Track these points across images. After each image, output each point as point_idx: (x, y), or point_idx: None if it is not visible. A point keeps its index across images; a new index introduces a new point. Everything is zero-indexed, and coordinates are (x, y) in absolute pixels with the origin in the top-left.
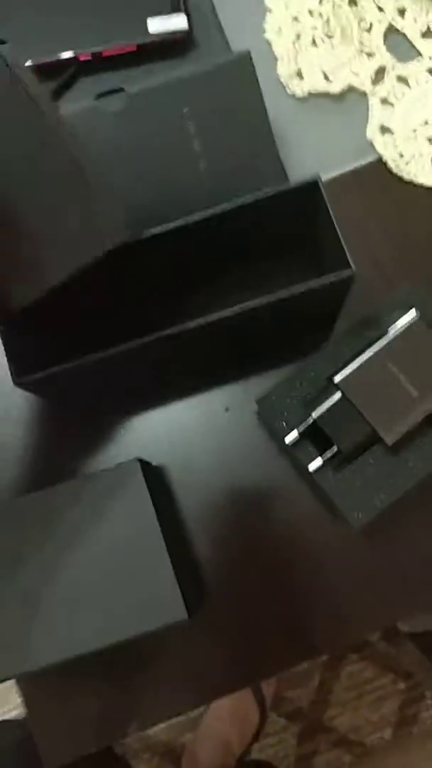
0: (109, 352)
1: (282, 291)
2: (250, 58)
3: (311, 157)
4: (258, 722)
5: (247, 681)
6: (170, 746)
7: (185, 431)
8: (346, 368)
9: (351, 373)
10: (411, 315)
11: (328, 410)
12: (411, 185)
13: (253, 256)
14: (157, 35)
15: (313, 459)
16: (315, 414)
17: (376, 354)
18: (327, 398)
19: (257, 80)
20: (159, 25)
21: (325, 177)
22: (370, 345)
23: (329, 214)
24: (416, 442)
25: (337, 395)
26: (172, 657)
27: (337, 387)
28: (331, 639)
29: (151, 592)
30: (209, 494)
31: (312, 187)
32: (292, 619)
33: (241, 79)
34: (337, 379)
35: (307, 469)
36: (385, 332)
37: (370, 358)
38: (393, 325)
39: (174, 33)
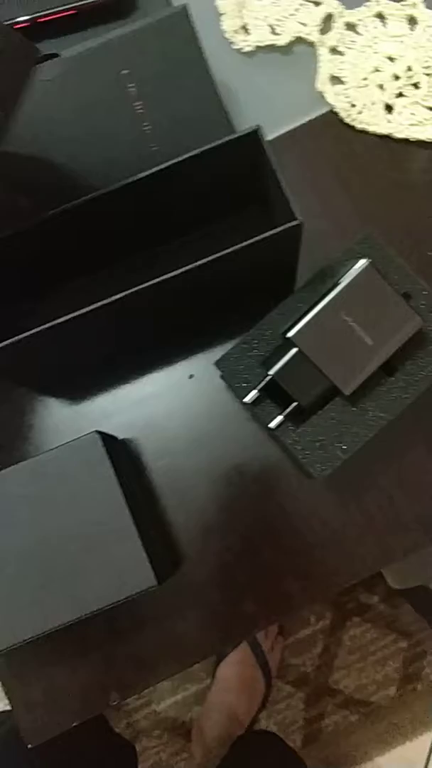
0: (55, 323)
1: (229, 248)
2: (187, 12)
3: (262, 112)
4: (264, 691)
5: (224, 643)
6: (179, 721)
7: (152, 402)
8: (299, 322)
9: (303, 327)
10: (362, 263)
11: (285, 366)
12: (364, 134)
13: (206, 217)
14: None
15: (274, 417)
16: (272, 371)
17: (327, 305)
18: (283, 354)
19: (196, 34)
20: None
21: (278, 132)
22: (323, 297)
23: (271, 164)
24: (375, 391)
25: (293, 351)
26: (148, 625)
27: (291, 342)
28: (308, 596)
29: (120, 562)
30: (180, 461)
31: (253, 137)
32: (266, 579)
33: (180, 34)
34: (291, 333)
35: (268, 427)
36: (338, 283)
37: (322, 310)
38: (345, 275)
39: None
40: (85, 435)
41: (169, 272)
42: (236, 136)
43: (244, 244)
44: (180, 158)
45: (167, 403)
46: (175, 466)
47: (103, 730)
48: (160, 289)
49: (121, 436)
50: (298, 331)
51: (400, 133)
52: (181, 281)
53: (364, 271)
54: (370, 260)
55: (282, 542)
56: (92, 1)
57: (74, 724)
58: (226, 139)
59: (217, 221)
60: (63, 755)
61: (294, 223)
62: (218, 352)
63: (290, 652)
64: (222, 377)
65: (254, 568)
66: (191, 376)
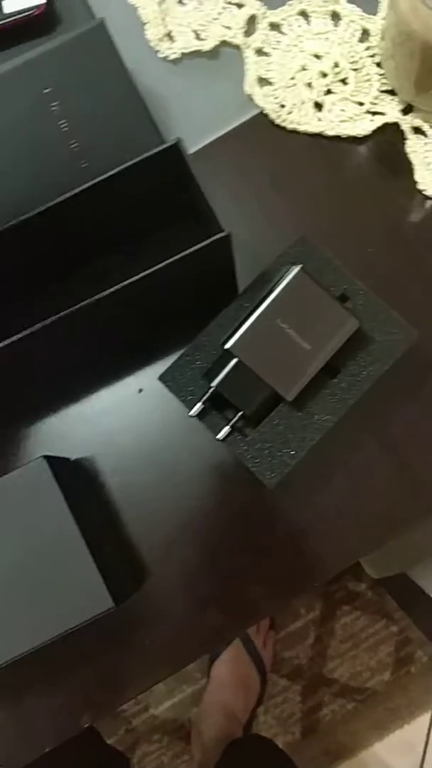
0: None
1: (158, 264)
2: (104, 26)
3: (192, 119)
4: (259, 686)
5: (194, 655)
6: (178, 723)
7: (103, 419)
8: (236, 332)
9: (241, 336)
10: (294, 270)
11: (226, 377)
12: (295, 134)
13: (140, 232)
14: (14, 14)
15: (222, 427)
16: (214, 383)
17: (262, 314)
18: (224, 365)
19: (115, 47)
20: (15, 3)
21: (209, 138)
22: (258, 305)
23: (193, 177)
24: (319, 394)
25: (233, 361)
26: (115, 643)
27: (230, 353)
28: (273, 601)
29: (76, 587)
30: (135, 476)
31: (173, 150)
32: (229, 588)
33: (99, 48)
34: (228, 345)
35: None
36: (272, 290)
37: (257, 319)
38: (278, 283)
39: (32, 9)
40: (31, 461)
41: (103, 291)
42: (156, 151)
43: (174, 258)
44: (102, 177)
45: (118, 419)
46: (130, 482)
47: (95, 743)
48: (95, 307)
49: (74, 455)
50: (236, 342)
51: (331, 131)
52: (117, 298)
53: (296, 278)
54: (301, 266)
55: (242, 550)
56: (12, 20)
57: (47, 750)
58: (146, 155)
59: (152, 236)
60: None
61: (221, 234)
62: (166, 364)
63: (283, 645)
64: (170, 391)
65: (217, 578)
66: (140, 391)
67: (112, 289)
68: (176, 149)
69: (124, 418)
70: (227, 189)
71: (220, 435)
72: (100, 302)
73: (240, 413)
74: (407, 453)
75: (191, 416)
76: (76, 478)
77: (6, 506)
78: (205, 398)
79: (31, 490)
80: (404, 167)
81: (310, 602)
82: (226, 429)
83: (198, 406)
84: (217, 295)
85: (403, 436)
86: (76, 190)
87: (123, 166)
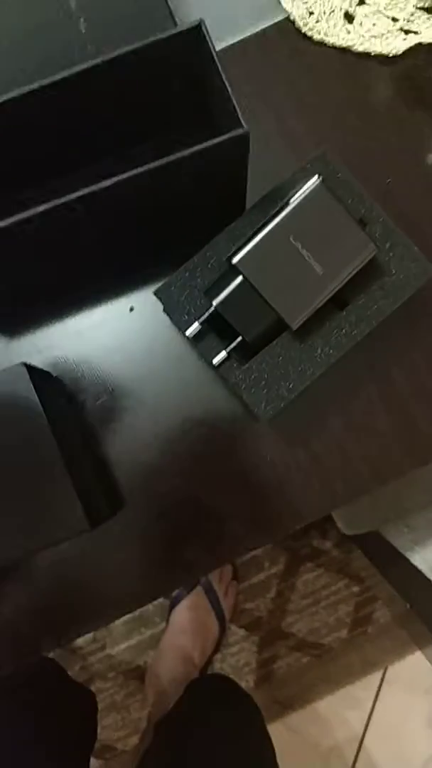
0: None
1: (173, 156)
2: None
3: (211, 18)
4: (218, 634)
5: (163, 590)
6: (133, 665)
7: (89, 336)
8: (245, 247)
9: (249, 252)
10: (313, 181)
11: (229, 296)
12: (321, 46)
13: (151, 131)
14: None
15: (217, 352)
16: (215, 302)
17: (275, 228)
18: (228, 283)
19: None
20: None
21: (227, 41)
22: (271, 219)
23: (215, 60)
24: (324, 326)
25: (238, 279)
26: (86, 572)
27: (236, 269)
28: (251, 541)
29: (50, 504)
30: (118, 400)
31: (195, 32)
32: (209, 523)
33: None
34: (235, 259)
35: (211, 363)
36: (287, 204)
37: (269, 233)
38: (295, 195)
39: None
40: (10, 367)
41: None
42: (177, 30)
43: (189, 151)
44: (112, 54)
45: (105, 339)
46: (113, 405)
47: (60, 678)
48: (93, 202)
49: (55, 372)
50: (243, 257)
51: (360, 46)
52: (118, 193)
53: (315, 190)
54: (321, 178)
55: (226, 486)
56: None
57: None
58: (166, 33)
59: (164, 136)
60: (18, 705)
61: (240, 132)
62: (160, 281)
63: (244, 596)
64: (163, 309)
65: (197, 513)
66: (131, 309)
67: (112, 181)
68: (198, 31)
69: (112, 336)
70: (242, 99)
71: (216, 360)
72: (98, 195)
73: (239, 338)
74: (407, 402)
75: (188, 336)
76: (55, 394)
77: None
78: (203, 318)
79: (8, 397)
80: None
81: (275, 556)
82: (223, 354)
83: (195, 326)
84: (225, 210)
85: (404, 385)
86: (81, 66)
87: (136, 45)
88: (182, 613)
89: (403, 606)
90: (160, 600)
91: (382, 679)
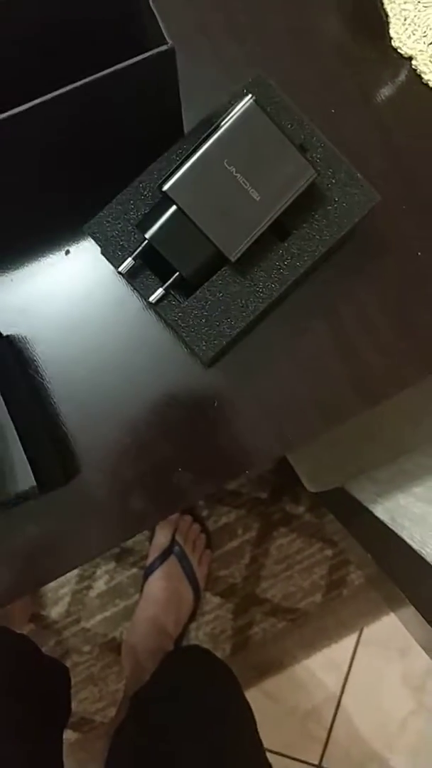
0: None
1: (94, 75)
2: None
3: None
4: (192, 603)
5: (111, 541)
6: (109, 637)
7: (26, 283)
8: (176, 173)
9: (180, 178)
10: (246, 100)
11: (162, 227)
12: None
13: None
14: None
15: (155, 290)
16: (148, 234)
17: (207, 151)
18: (161, 215)
19: None
20: None
21: None
22: (203, 143)
23: None
24: (266, 259)
25: (171, 209)
26: (34, 523)
27: (169, 199)
28: (199, 488)
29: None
30: (57, 348)
31: None
32: (156, 472)
33: None
34: (166, 187)
35: (149, 302)
36: (220, 126)
37: (200, 157)
38: (228, 117)
39: None
40: None
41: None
42: None
43: (113, 69)
44: None
45: (41, 284)
46: (54, 354)
47: (33, 653)
48: (23, 126)
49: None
50: (174, 183)
51: None
52: (48, 114)
53: (248, 110)
54: (253, 97)
55: (172, 433)
56: None
57: None
58: None
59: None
60: None
61: (164, 47)
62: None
63: (218, 564)
64: (100, 248)
65: (142, 462)
66: (67, 252)
67: (34, 102)
68: None
69: (48, 282)
70: (177, 27)
71: (153, 297)
72: (23, 119)
73: (176, 274)
74: (355, 340)
75: (121, 273)
76: (4, 354)
77: None
78: (136, 253)
79: None
80: (380, 22)
81: (248, 523)
82: (160, 291)
83: (128, 262)
84: (160, 141)
85: (352, 321)
86: None
87: None
88: (156, 583)
89: (376, 568)
90: (134, 570)
91: (357, 641)
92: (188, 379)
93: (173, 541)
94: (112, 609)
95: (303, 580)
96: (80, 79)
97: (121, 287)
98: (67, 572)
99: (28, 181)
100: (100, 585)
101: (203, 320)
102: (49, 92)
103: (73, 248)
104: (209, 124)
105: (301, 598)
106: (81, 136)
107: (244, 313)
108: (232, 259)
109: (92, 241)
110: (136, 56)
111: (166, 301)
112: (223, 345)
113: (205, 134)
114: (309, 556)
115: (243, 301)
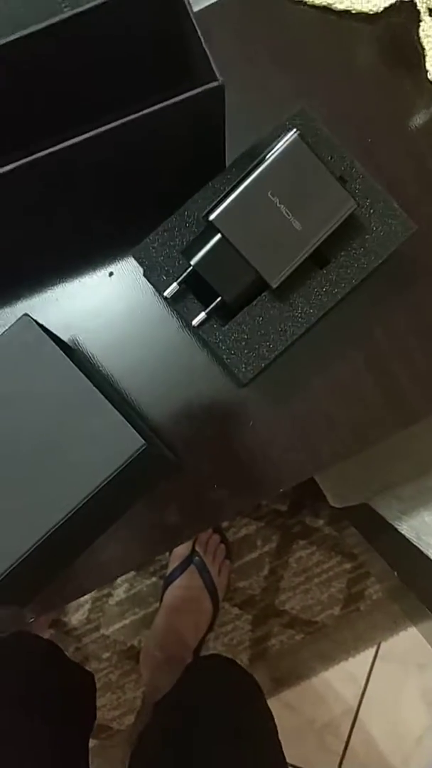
0: None
1: (146, 110)
2: None
3: None
4: (211, 614)
5: (145, 556)
6: (127, 645)
7: (68, 303)
8: (222, 203)
9: (225, 208)
10: (290, 134)
11: (207, 255)
12: (301, 6)
13: (127, 98)
14: None
15: (197, 314)
16: (193, 261)
17: (252, 183)
18: (205, 242)
19: None
20: None
21: (206, 2)
22: (248, 175)
23: (191, 19)
24: (305, 285)
25: (216, 237)
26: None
27: (213, 227)
28: (234, 505)
29: (99, 435)
30: (103, 366)
31: None
32: (191, 487)
33: None
34: (212, 216)
35: (191, 325)
36: (265, 159)
37: (245, 189)
38: (272, 150)
39: None
40: (16, 321)
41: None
42: None
43: (164, 104)
44: (81, 8)
45: (84, 304)
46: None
47: (60, 659)
48: (74, 156)
49: None
50: (220, 213)
51: (340, 4)
52: (98, 147)
53: (292, 144)
54: (298, 131)
55: (208, 450)
56: None
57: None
58: None
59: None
60: (20, 689)
61: (214, 84)
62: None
63: (237, 575)
64: (144, 273)
65: (178, 477)
66: (111, 274)
67: (87, 135)
68: None
69: (91, 303)
70: (222, 59)
71: (196, 321)
72: (75, 151)
73: (218, 299)
74: (390, 363)
75: (166, 297)
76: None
77: (4, 374)
78: (181, 278)
79: (23, 349)
80: (416, 54)
81: (267, 534)
82: (202, 315)
83: (173, 287)
84: (203, 170)
85: (387, 346)
86: (47, 23)
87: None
88: (176, 592)
89: (395, 582)
90: (154, 579)
91: (375, 655)
92: (224, 398)
93: (193, 551)
94: (132, 617)
95: (321, 592)
96: (121, 107)
97: (160, 309)
98: (105, 584)
99: (78, 206)
100: (120, 593)
101: (243, 343)
102: (91, 119)
103: (117, 270)
104: (252, 156)
105: (319, 611)
106: (128, 165)
107: (282, 337)
108: (273, 285)
109: (134, 264)
110: (182, 83)
111: (207, 325)
112: (261, 367)
113: (251, 167)
114: (328, 569)
115: (282, 326)
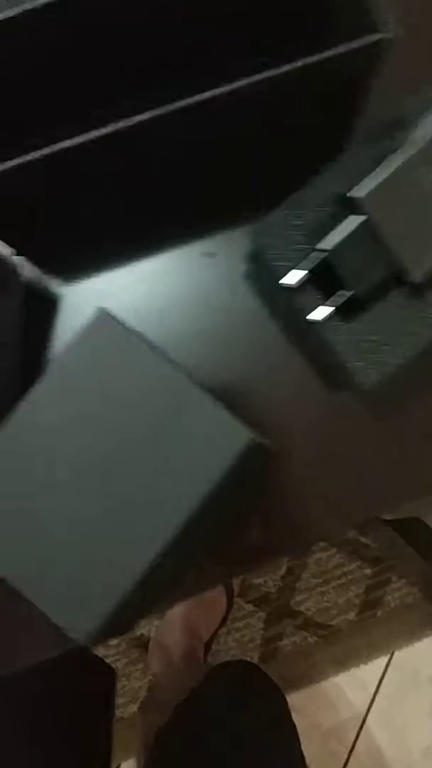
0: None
1: (288, 66)
2: None
3: None
4: (225, 609)
5: (228, 575)
6: (137, 633)
7: (156, 282)
8: (370, 183)
9: (376, 188)
10: None
11: (345, 241)
12: None
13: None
14: None
15: (316, 306)
16: (327, 245)
17: (407, 163)
18: (342, 226)
19: None
20: None
21: None
22: (397, 153)
23: None
24: None
25: (356, 219)
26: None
27: (354, 208)
28: (330, 522)
29: (203, 433)
30: (184, 360)
31: None
32: (288, 502)
33: None
34: (360, 193)
35: (306, 320)
36: (413, 136)
37: (400, 168)
38: (423, 125)
39: None
40: (93, 317)
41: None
42: None
43: (312, 59)
44: None
45: (174, 285)
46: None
47: (85, 654)
48: (192, 116)
49: None
50: (369, 193)
51: None
52: (221, 111)
53: None
54: None
55: (299, 467)
56: None
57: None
58: None
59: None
60: (43, 682)
61: (376, 36)
62: (243, 229)
63: (254, 572)
64: (248, 259)
65: (264, 492)
66: (210, 255)
67: (212, 92)
68: None
69: (181, 284)
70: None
71: (317, 315)
72: (197, 110)
73: (350, 293)
74: None
75: (283, 286)
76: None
77: (86, 378)
78: (313, 266)
79: (109, 347)
80: None
81: None
82: (328, 310)
83: (299, 274)
84: (329, 142)
85: None
86: None
87: None
88: None
89: (414, 592)
90: None
91: (388, 664)
92: (321, 408)
93: None
94: None
95: (338, 596)
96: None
97: (259, 302)
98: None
99: (185, 174)
100: None
101: (368, 345)
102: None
103: (218, 252)
104: (391, 129)
105: (334, 615)
106: (250, 129)
107: (415, 341)
108: (417, 279)
109: (237, 248)
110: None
111: (326, 320)
112: (388, 374)
113: (397, 145)
114: (347, 573)
115: (416, 328)
